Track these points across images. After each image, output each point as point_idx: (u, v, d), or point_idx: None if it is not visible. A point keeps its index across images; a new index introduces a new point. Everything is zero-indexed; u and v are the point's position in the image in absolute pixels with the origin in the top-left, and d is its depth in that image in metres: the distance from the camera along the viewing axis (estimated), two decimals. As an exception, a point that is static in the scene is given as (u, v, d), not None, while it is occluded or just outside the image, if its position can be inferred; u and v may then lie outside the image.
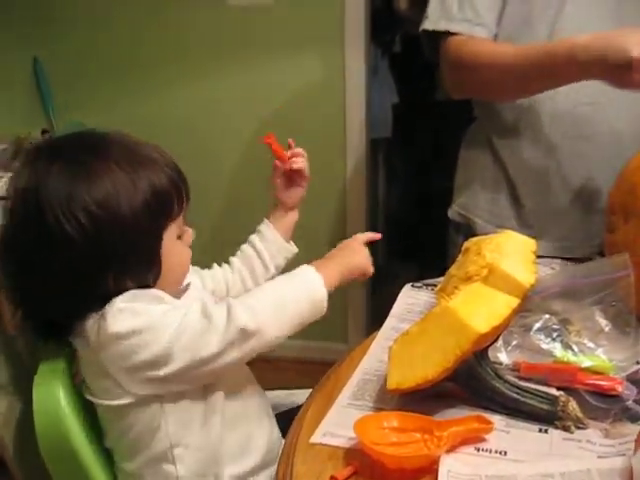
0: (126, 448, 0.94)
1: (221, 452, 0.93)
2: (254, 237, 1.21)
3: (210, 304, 0.87)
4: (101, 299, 0.84)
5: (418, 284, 1.23)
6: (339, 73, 2.45)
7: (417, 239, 3.24)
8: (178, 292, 0.96)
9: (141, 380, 0.84)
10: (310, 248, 2.59)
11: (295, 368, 2.50)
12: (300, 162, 1.21)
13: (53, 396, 0.90)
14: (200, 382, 0.89)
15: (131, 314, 0.82)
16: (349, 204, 2.64)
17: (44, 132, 2.45)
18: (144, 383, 0.85)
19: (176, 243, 0.92)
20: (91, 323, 0.84)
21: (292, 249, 1.24)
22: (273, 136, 1.18)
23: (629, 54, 1.00)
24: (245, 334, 0.82)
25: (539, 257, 1.24)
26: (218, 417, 0.92)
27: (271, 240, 1.21)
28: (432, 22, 1.31)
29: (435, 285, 1.16)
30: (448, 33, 1.28)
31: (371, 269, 1.03)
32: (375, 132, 2.95)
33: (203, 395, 0.91)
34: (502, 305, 0.83)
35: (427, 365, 0.80)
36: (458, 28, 1.27)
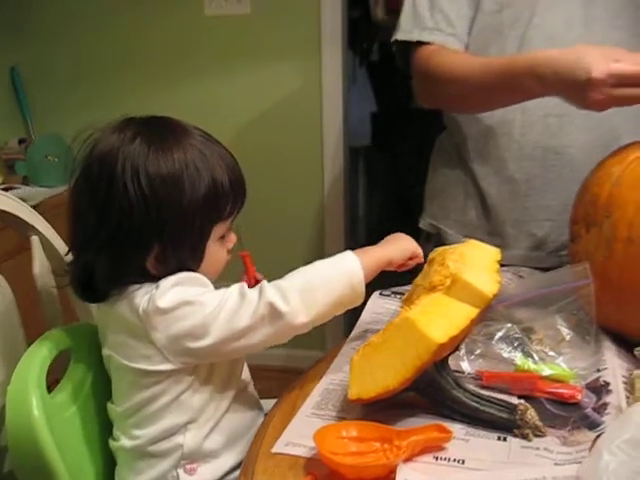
0: (143, 418, 0.94)
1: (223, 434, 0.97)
2: None
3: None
4: (142, 271, 0.90)
5: (386, 292, 1.24)
6: (316, 81, 2.48)
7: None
8: None
9: (182, 349, 0.88)
10: (288, 257, 2.61)
11: (275, 377, 2.51)
12: None
13: (26, 405, 0.90)
14: (236, 355, 0.95)
15: (180, 291, 0.87)
16: (327, 212, 2.65)
17: (21, 141, 2.44)
18: (184, 354, 0.89)
19: (217, 242, 0.95)
20: (142, 292, 0.89)
21: None
22: (248, 254, 1.21)
23: (588, 73, 0.99)
24: (275, 311, 0.86)
25: (507, 265, 1.26)
26: (227, 402, 0.97)
27: None
28: (404, 32, 1.32)
29: (403, 293, 1.17)
30: (419, 43, 1.30)
31: (421, 251, 1.04)
32: (354, 140, 2.97)
33: (228, 381, 0.97)
34: (461, 316, 0.84)
35: (388, 375, 0.81)
36: (430, 38, 1.29)
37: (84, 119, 2.73)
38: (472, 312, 0.85)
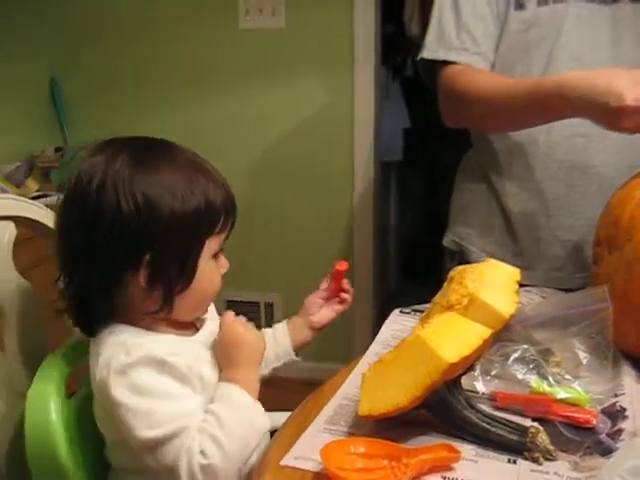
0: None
1: None
2: (268, 331, 1.20)
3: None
4: (128, 297, 0.89)
5: (406, 310, 1.24)
6: (348, 96, 2.50)
7: (429, 260, 3.24)
8: (195, 320, 0.99)
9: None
10: (317, 270, 2.62)
11: (299, 389, 2.51)
12: (349, 299, 1.22)
13: (45, 409, 0.92)
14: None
15: (130, 388, 0.84)
16: (357, 226, 2.66)
17: (57, 150, 2.50)
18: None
19: (210, 261, 0.94)
20: (109, 346, 0.88)
21: (295, 359, 1.21)
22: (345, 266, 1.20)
23: (622, 101, 0.97)
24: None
25: (530, 285, 1.25)
26: None
27: (281, 344, 1.19)
28: (430, 51, 1.33)
29: (423, 311, 1.17)
30: (445, 62, 1.30)
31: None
32: (386, 155, 2.98)
33: None
34: (474, 335, 0.84)
35: (398, 393, 0.81)
36: (456, 57, 1.30)
37: (119, 129, 2.78)
38: (485, 332, 0.85)
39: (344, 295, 1.21)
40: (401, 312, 1.23)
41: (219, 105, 2.61)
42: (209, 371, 0.92)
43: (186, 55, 2.59)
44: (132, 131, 2.86)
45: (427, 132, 3.23)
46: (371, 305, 2.69)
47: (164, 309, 0.90)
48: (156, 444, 0.84)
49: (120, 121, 2.68)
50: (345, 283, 1.21)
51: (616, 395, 0.91)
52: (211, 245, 0.93)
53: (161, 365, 0.86)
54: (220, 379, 0.92)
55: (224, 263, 0.98)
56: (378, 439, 0.81)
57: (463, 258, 1.39)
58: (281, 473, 0.80)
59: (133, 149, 0.91)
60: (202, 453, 0.83)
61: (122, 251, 0.86)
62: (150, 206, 0.86)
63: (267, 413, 1.14)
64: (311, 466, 0.80)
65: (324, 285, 1.22)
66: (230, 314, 0.98)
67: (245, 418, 0.88)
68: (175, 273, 0.89)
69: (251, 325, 0.98)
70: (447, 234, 1.48)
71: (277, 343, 1.17)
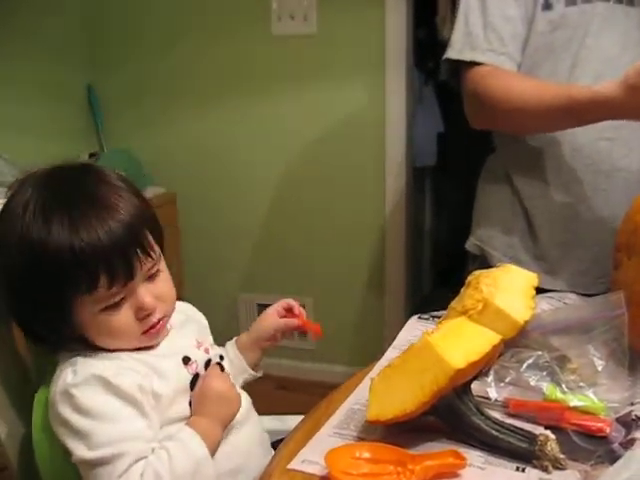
0: None
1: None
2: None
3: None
4: (51, 336, 0.90)
5: (425, 316, 1.23)
6: (379, 101, 2.50)
7: (463, 267, 3.22)
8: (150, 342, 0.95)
9: None
10: (348, 275, 2.62)
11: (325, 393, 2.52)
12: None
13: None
14: None
15: (73, 407, 0.84)
16: (388, 231, 2.65)
17: (92, 155, 2.55)
18: None
19: (96, 315, 0.87)
20: (62, 368, 0.89)
21: (256, 375, 1.16)
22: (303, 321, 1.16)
23: None
24: None
25: (552, 290, 1.23)
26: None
27: (235, 363, 1.14)
28: (456, 51, 1.32)
29: (441, 317, 1.16)
30: (471, 63, 1.29)
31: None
32: (420, 160, 2.96)
33: None
34: (483, 341, 0.83)
35: (405, 398, 0.81)
36: (482, 58, 1.28)
37: (154, 135, 2.85)
38: (495, 338, 0.84)
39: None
40: (419, 318, 1.23)
41: (252, 110, 2.63)
42: (162, 385, 0.90)
43: (219, 62, 2.62)
44: (165, 137, 2.93)
45: (461, 136, 3.22)
46: (402, 310, 2.68)
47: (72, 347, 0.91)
48: (92, 466, 0.83)
49: (154, 128, 2.73)
50: (310, 324, 1.17)
51: (632, 404, 0.89)
52: (88, 302, 0.86)
53: (106, 385, 0.85)
54: (187, 422, 0.91)
55: (136, 306, 0.89)
56: (384, 444, 0.81)
57: (485, 262, 1.38)
58: (286, 476, 0.81)
59: (45, 190, 0.87)
60: None
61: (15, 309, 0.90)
62: (4, 260, 0.86)
63: (280, 417, 1.16)
64: (317, 470, 0.80)
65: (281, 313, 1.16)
66: (216, 368, 0.98)
67: (195, 469, 0.85)
68: (63, 329, 0.89)
69: (233, 385, 0.98)
70: (470, 238, 1.47)
71: (231, 363, 1.13)
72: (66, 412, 0.84)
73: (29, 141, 2.32)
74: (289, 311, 1.15)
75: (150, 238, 0.91)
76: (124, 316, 0.89)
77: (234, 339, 1.16)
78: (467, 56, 1.30)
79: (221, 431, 0.93)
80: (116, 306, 0.87)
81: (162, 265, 0.95)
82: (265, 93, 2.61)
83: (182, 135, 2.71)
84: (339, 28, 2.46)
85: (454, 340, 0.83)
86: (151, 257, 0.90)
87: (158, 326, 0.93)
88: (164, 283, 0.94)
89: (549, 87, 1.19)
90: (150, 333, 0.92)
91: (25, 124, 2.38)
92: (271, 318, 1.15)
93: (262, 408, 1.11)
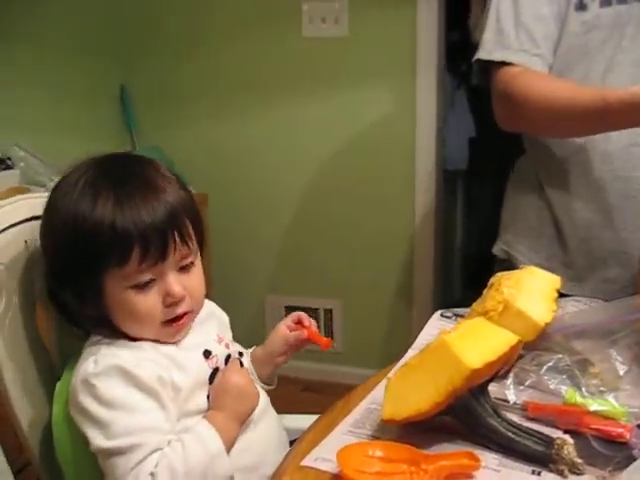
0: None
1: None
2: None
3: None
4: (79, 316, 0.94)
5: (448, 314, 1.22)
6: (410, 104, 2.49)
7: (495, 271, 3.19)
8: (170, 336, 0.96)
9: None
10: (377, 280, 2.61)
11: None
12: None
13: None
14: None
15: (93, 396, 0.86)
16: (417, 236, 2.64)
17: (124, 154, 2.58)
18: None
19: (123, 290, 0.89)
20: (86, 355, 0.91)
21: (268, 387, 1.13)
22: (309, 329, 1.12)
23: None
24: None
25: (580, 296, 1.21)
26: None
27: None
28: (487, 51, 1.30)
29: (464, 316, 1.15)
30: (502, 63, 1.28)
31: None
32: (452, 164, 2.94)
33: None
34: (500, 341, 0.82)
35: (420, 398, 0.80)
36: (514, 58, 1.26)
37: (186, 135, 2.88)
38: (513, 339, 0.83)
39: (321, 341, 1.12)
40: (442, 316, 1.22)
41: (283, 111, 2.64)
42: (182, 377, 0.91)
43: (250, 63, 2.63)
44: (196, 137, 2.95)
45: (494, 141, 3.19)
46: (431, 312, 2.64)
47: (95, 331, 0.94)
48: (109, 455, 0.84)
49: (185, 127, 2.75)
50: (319, 337, 1.13)
51: (656, 410, 0.87)
52: (117, 276, 0.88)
53: (126, 376, 0.86)
54: (204, 416, 0.92)
55: (165, 291, 0.90)
56: (398, 443, 0.80)
57: (511, 266, 1.35)
58: (300, 473, 0.80)
59: (67, 177, 0.92)
60: (153, 476, 0.82)
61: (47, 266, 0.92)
62: (46, 248, 0.91)
63: (302, 416, 1.15)
64: (330, 468, 0.80)
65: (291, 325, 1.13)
66: (236, 363, 0.99)
67: (209, 462, 0.86)
68: (92, 306, 0.91)
69: (252, 381, 0.98)
70: (497, 242, 1.45)
71: None
72: (86, 401, 0.86)
73: (63, 141, 2.35)
74: (299, 323, 1.13)
75: (190, 228, 0.93)
76: (150, 299, 0.90)
77: (250, 350, 1.15)
78: (498, 56, 1.28)
79: (238, 427, 0.93)
80: (144, 287, 0.89)
81: (197, 261, 0.96)
82: (295, 95, 2.62)
83: (210, 135, 2.73)
84: (370, 31, 2.46)
85: (471, 340, 0.82)
86: (187, 246, 0.91)
87: (182, 321, 0.93)
88: (196, 277, 0.96)
89: (582, 89, 1.17)
90: (172, 326, 0.93)
91: (59, 125, 2.42)
92: (281, 331, 1.13)
93: (288, 410, 1.12)
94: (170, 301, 0.91)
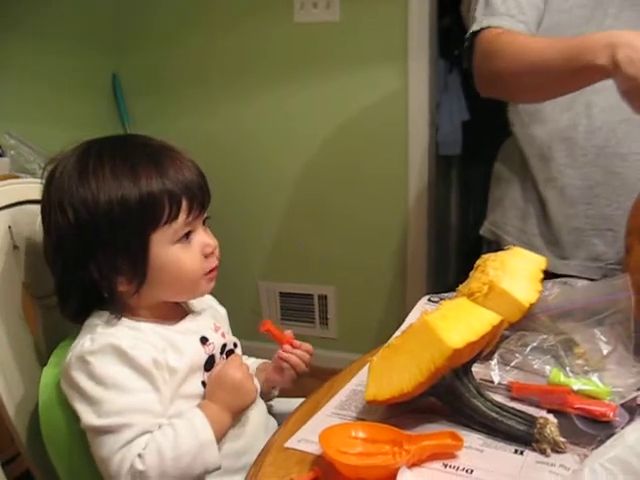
0: None
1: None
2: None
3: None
4: (93, 291, 0.92)
5: (435, 298, 1.22)
6: (402, 89, 2.47)
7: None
8: (176, 312, 1.00)
9: None
10: (371, 267, 2.61)
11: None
12: (291, 356, 1.11)
13: (57, 383, 0.93)
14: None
15: (87, 373, 0.86)
16: (411, 221, 2.63)
17: (116, 142, 2.58)
18: None
19: (171, 247, 0.92)
20: (81, 335, 0.91)
21: (269, 403, 1.15)
22: (269, 323, 1.10)
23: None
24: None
25: (568, 276, 1.21)
26: None
27: None
28: (477, 23, 1.29)
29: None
30: (487, 28, 1.26)
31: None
32: (445, 149, 2.93)
33: None
34: (482, 321, 0.82)
35: (402, 378, 0.80)
36: (499, 22, 1.25)
37: (178, 123, 2.86)
38: (495, 319, 0.83)
39: (287, 348, 1.12)
40: (429, 300, 1.22)
41: (275, 98, 2.63)
42: (178, 360, 0.92)
43: (243, 49, 2.62)
44: (188, 124, 2.94)
45: (487, 124, 3.18)
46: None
47: (127, 299, 0.94)
48: (98, 433, 0.84)
49: (178, 115, 2.74)
50: (282, 335, 1.12)
51: (639, 389, 0.87)
52: (167, 233, 0.91)
53: (122, 356, 0.86)
54: (198, 405, 0.92)
55: (203, 242, 0.96)
56: (381, 424, 0.80)
57: (498, 247, 1.35)
58: (283, 454, 0.81)
59: (79, 154, 0.92)
60: (141, 457, 0.83)
61: (73, 242, 0.89)
62: (78, 220, 0.88)
63: (290, 399, 1.16)
64: (312, 449, 0.80)
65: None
66: (237, 358, 0.99)
67: (198, 450, 0.86)
68: (127, 268, 0.91)
69: (251, 376, 0.98)
70: (485, 223, 1.45)
71: None
72: (80, 377, 0.86)
73: (54, 130, 2.34)
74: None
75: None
76: (193, 251, 0.95)
77: (257, 364, 1.16)
78: (484, 23, 1.26)
79: (230, 419, 0.94)
80: (188, 237, 0.94)
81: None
82: (287, 81, 2.60)
83: (203, 122, 2.72)
84: (362, 16, 2.45)
85: (453, 320, 0.81)
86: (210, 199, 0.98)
87: (214, 272, 0.99)
88: (211, 232, 1.01)
89: (566, 37, 1.13)
90: (210, 277, 0.98)
91: (50, 113, 2.41)
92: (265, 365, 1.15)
93: (282, 396, 1.13)
94: (209, 250, 0.96)
